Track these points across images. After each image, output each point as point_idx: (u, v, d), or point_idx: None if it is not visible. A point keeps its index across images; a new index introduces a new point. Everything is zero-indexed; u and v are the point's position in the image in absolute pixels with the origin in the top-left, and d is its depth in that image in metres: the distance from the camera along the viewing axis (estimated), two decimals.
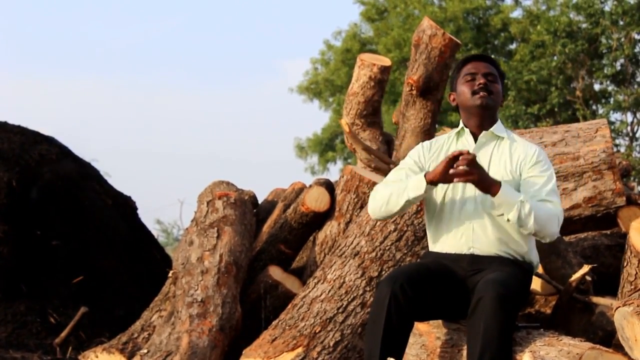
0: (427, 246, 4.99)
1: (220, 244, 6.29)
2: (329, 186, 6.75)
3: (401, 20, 33.20)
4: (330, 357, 5.25)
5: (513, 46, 32.99)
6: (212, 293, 5.98)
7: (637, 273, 4.71)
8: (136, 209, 9.51)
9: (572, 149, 6.35)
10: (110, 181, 9.66)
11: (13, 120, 9.14)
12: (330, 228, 6.58)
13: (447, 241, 4.65)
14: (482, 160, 4.61)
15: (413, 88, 7.06)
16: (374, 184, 6.39)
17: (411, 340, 4.62)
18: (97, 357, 6.38)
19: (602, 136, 6.38)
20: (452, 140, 4.77)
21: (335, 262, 5.63)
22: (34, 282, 7.79)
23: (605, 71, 29.29)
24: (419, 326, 4.78)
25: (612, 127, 29.14)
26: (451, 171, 4.42)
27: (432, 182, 4.49)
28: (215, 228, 6.39)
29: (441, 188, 4.65)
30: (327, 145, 35.95)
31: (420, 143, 4.89)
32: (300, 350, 5.26)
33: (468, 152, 4.39)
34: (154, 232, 10.50)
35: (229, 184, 7.22)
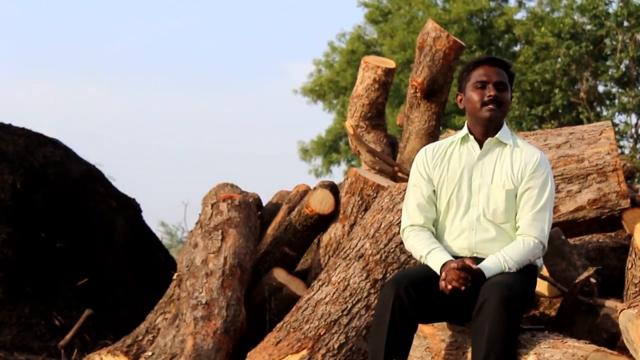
0: None
1: (224, 246, 6.29)
2: (334, 188, 6.74)
3: (405, 22, 33.19)
4: None
5: (517, 48, 32.97)
6: (216, 295, 5.98)
7: None
8: (140, 211, 9.52)
9: (576, 151, 6.34)
10: (115, 184, 9.67)
11: (17, 122, 9.16)
12: (335, 230, 6.58)
13: (451, 244, 4.65)
14: (487, 167, 4.62)
15: (417, 90, 7.06)
16: (379, 186, 6.40)
17: (415, 342, 4.62)
18: (101, 359, 6.38)
19: (607, 138, 6.37)
20: (456, 146, 4.75)
21: (339, 265, 5.63)
22: (39, 284, 7.80)
23: (610, 73, 29.27)
24: (424, 328, 4.77)
25: (617, 129, 29.12)
26: (441, 285, 4.43)
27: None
28: (220, 230, 6.39)
29: (445, 193, 4.66)
30: (331, 147, 35.92)
31: (423, 148, 4.87)
32: (304, 352, 5.26)
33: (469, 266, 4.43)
34: (158, 235, 10.52)
35: (233, 186, 7.22)
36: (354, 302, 5.43)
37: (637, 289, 4.74)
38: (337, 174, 35.88)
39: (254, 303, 6.39)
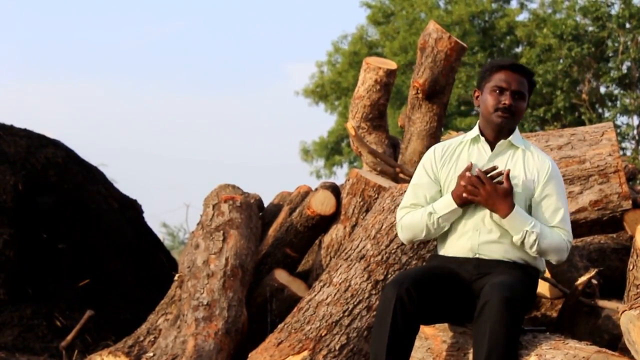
0: (433, 250, 4.99)
1: (226, 247, 6.29)
2: (335, 189, 6.74)
3: (407, 24, 33.20)
4: None
5: (519, 49, 32.97)
6: (218, 296, 5.98)
7: None
8: (142, 212, 9.53)
9: (578, 153, 6.34)
10: (117, 185, 9.68)
11: (19, 123, 9.16)
12: (336, 231, 6.58)
13: (454, 245, 4.64)
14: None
15: (419, 91, 7.06)
16: (380, 187, 6.39)
17: (417, 343, 4.61)
18: None
19: (608, 139, 6.37)
20: (466, 146, 4.74)
21: (341, 266, 5.62)
22: (40, 286, 7.81)
23: (612, 74, 29.28)
24: (425, 329, 4.77)
25: (619, 130, 29.13)
26: (462, 182, 4.48)
27: (461, 204, 4.56)
28: (221, 231, 6.39)
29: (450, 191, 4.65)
30: (333, 149, 35.92)
31: (433, 147, 4.86)
32: (306, 353, 5.25)
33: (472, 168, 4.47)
34: (160, 236, 10.53)
35: (234, 187, 7.22)
36: (355, 303, 5.42)
37: (638, 290, 4.73)
38: (340, 176, 35.92)
39: (255, 304, 6.39)
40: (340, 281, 5.52)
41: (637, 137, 30.16)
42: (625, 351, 4.42)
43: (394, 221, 5.58)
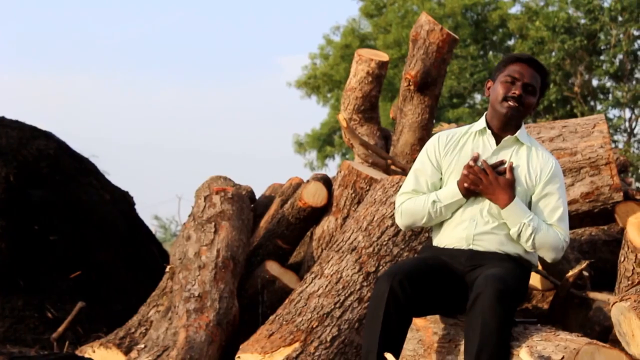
0: (424, 241, 4.99)
1: (217, 239, 6.29)
2: (327, 181, 6.74)
3: (400, 16, 33.18)
4: (327, 352, 5.25)
5: (511, 42, 32.98)
6: (209, 288, 5.98)
7: (634, 268, 4.70)
8: (134, 204, 9.52)
9: (569, 145, 6.34)
10: (109, 177, 9.66)
11: (11, 115, 9.14)
12: (328, 223, 6.58)
13: (449, 234, 4.65)
14: None
15: (411, 83, 7.05)
16: (372, 179, 6.39)
17: (408, 335, 4.61)
18: (94, 352, 6.38)
19: (600, 131, 6.38)
20: (471, 137, 4.74)
21: (332, 257, 5.63)
22: (32, 277, 7.79)
23: (604, 67, 29.31)
24: (416, 321, 4.77)
25: (610, 123, 29.17)
26: (464, 171, 4.51)
27: (467, 195, 4.59)
28: (213, 223, 6.38)
29: (453, 180, 4.65)
30: (325, 141, 35.92)
31: (437, 134, 4.86)
32: (297, 345, 5.25)
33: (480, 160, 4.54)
34: (152, 228, 10.52)
35: (226, 179, 7.22)
36: (346, 295, 5.43)
37: (629, 282, 4.73)
38: (332, 168, 35.92)
39: (247, 296, 6.39)
40: (331, 273, 5.53)
41: (629, 130, 30.20)
42: (616, 343, 4.43)
43: (386, 213, 5.59)
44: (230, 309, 5.98)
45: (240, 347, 5.41)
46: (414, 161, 4.96)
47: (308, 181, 6.81)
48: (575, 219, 6.28)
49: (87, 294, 7.74)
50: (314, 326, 5.33)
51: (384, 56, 7.59)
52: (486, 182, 4.51)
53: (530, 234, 4.49)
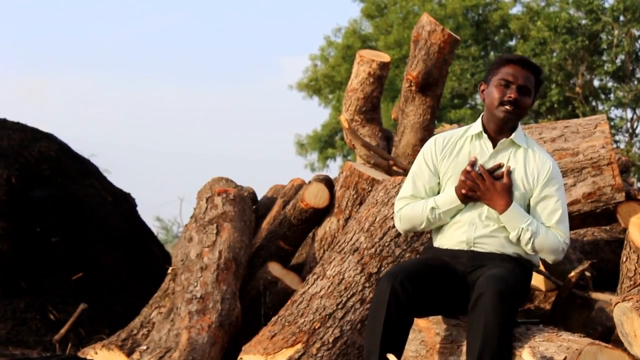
0: (427, 242, 4.99)
1: (219, 240, 6.29)
2: (328, 182, 6.74)
3: (401, 17, 33.17)
4: (329, 353, 5.25)
5: (512, 42, 32.96)
6: (211, 289, 5.98)
7: (636, 269, 4.71)
8: (135, 205, 9.51)
9: (571, 145, 6.34)
10: (110, 178, 9.67)
11: (12, 117, 9.14)
12: (330, 224, 6.58)
13: (450, 237, 4.64)
14: None
15: (412, 84, 7.05)
16: (373, 180, 6.39)
17: (410, 336, 4.61)
18: (96, 353, 6.38)
19: (602, 132, 6.37)
20: (467, 141, 4.72)
21: (334, 259, 5.63)
22: (34, 279, 7.79)
23: (606, 68, 29.28)
24: (419, 322, 4.77)
25: (612, 123, 29.14)
26: (461, 177, 4.53)
27: (465, 201, 4.59)
28: (215, 224, 6.39)
29: (451, 184, 4.65)
30: (326, 142, 35.89)
31: (433, 137, 4.85)
32: (299, 346, 5.25)
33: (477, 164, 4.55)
34: (154, 230, 10.51)
35: (228, 180, 7.21)
36: (348, 296, 5.43)
37: (631, 282, 4.73)
38: (333, 169, 35.90)
39: (249, 297, 6.39)
40: (333, 274, 5.53)
41: (630, 130, 30.19)
42: (618, 343, 4.43)
43: (388, 214, 5.59)
44: (233, 310, 5.98)
45: (243, 348, 5.41)
46: None
47: (310, 182, 6.81)
48: (577, 220, 6.28)
49: (89, 296, 7.75)
50: (316, 327, 5.33)
51: (385, 57, 7.59)
52: (483, 188, 4.51)
53: (530, 238, 4.49)
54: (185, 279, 6.08)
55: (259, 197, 7.99)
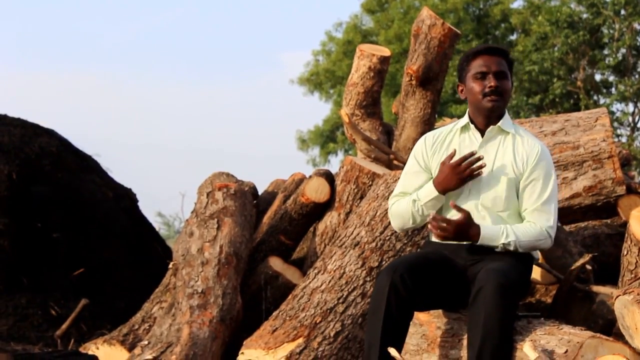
0: (427, 236, 4.99)
1: (220, 235, 6.29)
2: (329, 177, 6.74)
3: (401, 12, 33.17)
4: (330, 348, 5.25)
5: (513, 37, 32.96)
6: (212, 284, 5.98)
7: (637, 262, 4.70)
8: (137, 201, 9.52)
9: (572, 138, 6.34)
10: (112, 175, 9.67)
11: (13, 113, 9.15)
12: (331, 219, 6.58)
13: None
14: (489, 155, 4.61)
15: (412, 78, 7.05)
16: (374, 174, 6.39)
17: (412, 330, 4.62)
18: (97, 348, 6.38)
19: (602, 125, 6.37)
20: (456, 134, 4.74)
21: (335, 253, 5.63)
22: (35, 275, 7.80)
23: (607, 62, 29.28)
24: (420, 316, 4.77)
25: (614, 117, 29.14)
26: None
27: (442, 192, 4.57)
28: (216, 219, 6.38)
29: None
30: (328, 137, 35.93)
31: (423, 136, 4.87)
32: (300, 340, 5.26)
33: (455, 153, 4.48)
34: (155, 225, 10.51)
35: (228, 175, 7.21)
36: (349, 290, 5.43)
37: (632, 276, 4.73)
38: (335, 164, 35.94)
39: (250, 291, 6.39)
40: (334, 268, 5.53)
41: (632, 124, 30.18)
42: (619, 336, 4.43)
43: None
44: (234, 305, 5.98)
45: (244, 343, 5.41)
46: None
47: (310, 177, 6.81)
48: (578, 213, 6.28)
49: (90, 291, 7.76)
50: (318, 322, 5.33)
51: (385, 51, 7.59)
52: (452, 230, 4.49)
53: (515, 247, 4.50)
54: (186, 274, 6.08)
55: (260, 192, 7.99)
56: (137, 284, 8.20)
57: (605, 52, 29.70)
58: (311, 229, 6.92)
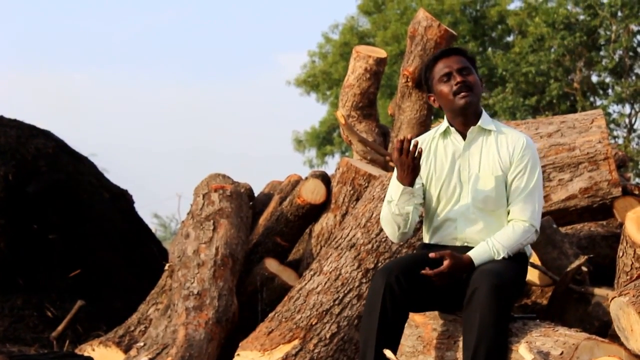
0: (422, 238, 4.99)
1: (216, 236, 6.29)
2: (325, 178, 6.74)
3: (398, 14, 33.17)
4: (326, 349, 5.25)
5: (510, 38, 32.98)
6: (208, 286, 5.98)
7: (632, 263, 4.71)
8: (133, 202, 9.52)
9: (567, 140, 6.33)
10: (108, 176, 9.66)
11: (9, 114, 9.14)
12: (327, 220, 6.58)
13: (440, 234, 4.64)
14: (474, 156, 4.61)
15: (409, 80, 7.05)
16: (370, 175, 6.40)
17: (407, 331, 4.62)
18: (93, 350, 6.39)
19: (598, 127, 6.36)
20: (440, 141, 4.73)
21: (331, 254, 5.62)
22: (31, 276, 7.80)
23: (604, 63, 29.30)
24: (415, 317, 4.77)
25: (611, 119, 29.16)
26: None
27: (404, 183, 4.53)
28: (212, 221, 6.39)
29: (435, 187, 4.64)
30: (324, 139, 35.93)
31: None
32: (296, 342, 5.26)
33: (408, 140, 4.47)
34: (152, 227, 10.51)
35: (225, 176, 7.21)
36: (345, 292, 5.43)
37: (628, 277, 4.73)
38: (331, 165, 35.94)
39: (246, 293, 6.39)
40: (330, 270, 5.53)
41: (628, 126, 30.21)
42: (615, 338, 4.43)
43: None
44: (230, 306, 5.99)
45: (240, 344, 5.41)
46: None
47: (307, 178, 6.81)
48: (574, 214, 6.28)
49: (86, 293, 7.75)
50: (313, 323, 5.33)
51: (382, 53, 7.60)
52: (446, 276, 4.46)
53: (506, 255, 4.48)
54: (182, 276, 6.08)
55: (256, 194, 7.99)
56: (133, 286, 8.20)
57: (602, 53, 29.73)
58: (307, 230, 6.93)
